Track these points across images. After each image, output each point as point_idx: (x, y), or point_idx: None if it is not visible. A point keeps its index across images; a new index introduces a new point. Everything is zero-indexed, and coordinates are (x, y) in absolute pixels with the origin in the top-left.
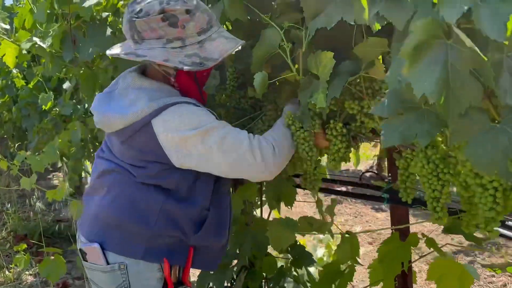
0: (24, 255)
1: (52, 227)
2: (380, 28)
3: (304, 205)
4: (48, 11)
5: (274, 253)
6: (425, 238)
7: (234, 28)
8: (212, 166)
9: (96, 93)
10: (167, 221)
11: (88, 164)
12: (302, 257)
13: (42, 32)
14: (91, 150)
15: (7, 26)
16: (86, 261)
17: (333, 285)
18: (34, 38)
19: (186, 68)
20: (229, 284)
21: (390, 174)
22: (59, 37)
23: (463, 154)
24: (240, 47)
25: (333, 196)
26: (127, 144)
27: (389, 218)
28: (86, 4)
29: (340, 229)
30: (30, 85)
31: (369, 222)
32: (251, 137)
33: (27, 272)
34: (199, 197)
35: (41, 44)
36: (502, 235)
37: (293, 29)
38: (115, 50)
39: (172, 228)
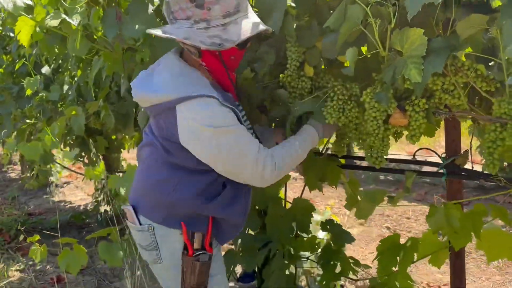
0: (40, 246)
1: (27, 220)
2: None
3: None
4: None
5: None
6: (492, 207)
7: (296, 5)
8: (212, 161)
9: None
10: (182, 193)
11: (60, 152)
12: (341, 235)
13: (68, 9)
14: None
15: (29, 1)
16: (127, 219)
17: (397, 258)
18: (62, 15)
19: (203, 47)
20: (259, 266)
21: (446, 150)
22: (98, 14)
23: None
24: (264, 29)
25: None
26: (156, 120)
27: None
28: None
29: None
30: (1, 70)
31: None
32: (260, 150)
33: (12, 268)
34: (215, 174)
35: (70, 21)
36: None
37: (377, 5)
38: (157, 31)
39: (186, 199)
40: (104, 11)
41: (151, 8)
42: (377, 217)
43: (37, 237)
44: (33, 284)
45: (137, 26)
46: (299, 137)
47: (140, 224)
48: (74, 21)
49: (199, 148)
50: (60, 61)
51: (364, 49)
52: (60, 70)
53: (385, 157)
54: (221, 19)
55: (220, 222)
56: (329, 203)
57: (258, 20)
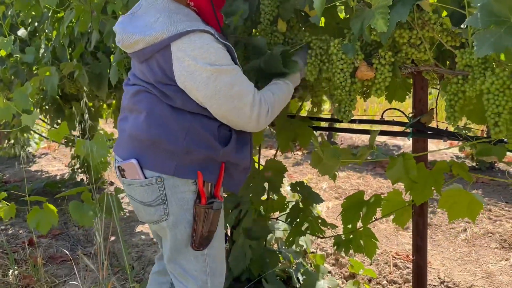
0: (8, 205)
1: (1, 187)
2: None
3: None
4: None
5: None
6: (453, 163)
7: None
8: (208, 103)
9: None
10: (195, 138)
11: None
12: (311, 196)
13: None
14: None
15: None
16: (125, 177)
17: (360, 213)
18: None
19: None
20: (230, 228)
21: (414, 110)
22: None
23: None
24: None
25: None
26: (146, 64)
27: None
28: None
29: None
30: None
31: (331, 180)
32: (255, 92)
33: None
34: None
35: None
36: None
37: None
38: None
39: (200, 144)
40: None
41: None
42: (352, 192)
43: (4, 194)
44: (4, 247)
45: None
46: (285, 78)
47: (146, 177)
48: None
49: (195, 89)
50: (36, 24)
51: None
52: (36, 33)
53: (356, 118)
54: None
55: (230, 169)
56: (307, 178)
57: None
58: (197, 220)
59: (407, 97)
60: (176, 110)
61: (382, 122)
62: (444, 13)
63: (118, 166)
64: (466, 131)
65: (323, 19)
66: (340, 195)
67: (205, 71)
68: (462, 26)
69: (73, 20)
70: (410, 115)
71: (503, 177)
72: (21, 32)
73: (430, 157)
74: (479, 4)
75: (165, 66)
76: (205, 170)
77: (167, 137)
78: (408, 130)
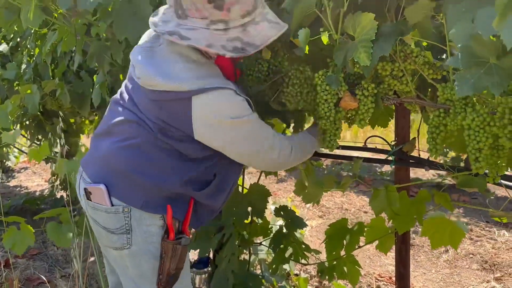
0: None
1: None
2: None
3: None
4: None
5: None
6: (435, 193)
7: None
8: (230, 151)
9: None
10: (172, 178)
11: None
12: (295, 221)
13: None
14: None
15: None
16: (90, 200)
17: (344, 241)
18: None
19: (228, 54)
20: (214, 252)
21: (396, 138)
22: None
23: None
24: (286, 28)
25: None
26: (159, 104)
27: (332, 194)
28: None
29: (370, 186)
30: None
31: None
32: (275, 135)
33: None
34: (209, 163)
35: None
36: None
37: None
38: (158, 25)
39: (178, 185)
40: None
41: None
42: (335, 210)
43: None
44: None
45: None
46: (311, 131)
47: (112, 205)
48: None
49: (214, 139)
50: (18, 39)
51: (325, 39)
52: (19, 49)
53: (339, 145)
54: (240, 19)
55: (198, 207)
56: (291, 196)
57: (274, 16)
58: (165, 257)
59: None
60: (165, 150)
61: (365, 149)
62: (425, 43)
63: (85, 188)
64: (447, 161)
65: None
66: (324, 214)
67: (226, 123)
68: (445, 63)
69: (56, 40)
70: (393, 143)
71: (484, 199)
72: (3, 47)
73: (412, 174)
74: (459, 45)
75: (180, 115)
76: (174, 206)
77: (143, 171)
78: (390, 158)
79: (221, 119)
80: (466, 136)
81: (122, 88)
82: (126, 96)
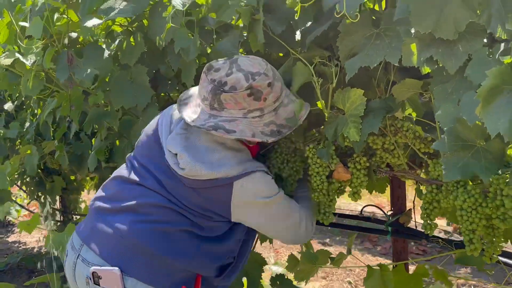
0: None
1: None
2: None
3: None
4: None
5: None
6: (433, 269)
7: None
8: (261, 227)
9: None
10: (200, 260)
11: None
12: None
13: (24, 48)
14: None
15: None
16: (98, 284)
17: None
18: (16, 54)
19: (270, 140)
20: None
21: (392, 208)
22: (51, 55)
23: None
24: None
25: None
26: (197, 191)
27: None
28: (89, 24)
29: (362, 262)
30: None
31: None
32: (300, 209)
33: None
34: (232, 244)
35: (24, 60)
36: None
37: (320, 65)
38: (192, 118)
39: (202, 267)
40: (58, 53)
41: (106, 53)
42: (339, 271)
43: None
44: None
45: (89, 70)
46: (306, 192)
47: None
48: (29, 61)
49: (248, 218)
50: (23, 98)
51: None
52: (24, 106)
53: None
54: (272, 104)
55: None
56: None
57: (291, 95)
58: None
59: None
60: (191, 233)
61: (361, 218)
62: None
63: (94, 272)
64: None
65: None
66: (327, 275)
67: (260, 204)
68: (432, 146)
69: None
70: (389, 212)
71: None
72: (8, 105)
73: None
74: (446, 129)
75: (218, 198)
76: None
77: (171, 256)
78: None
79: (256, 200)
80: (459, 217)
81: (135, 164)
82: (148, 175)
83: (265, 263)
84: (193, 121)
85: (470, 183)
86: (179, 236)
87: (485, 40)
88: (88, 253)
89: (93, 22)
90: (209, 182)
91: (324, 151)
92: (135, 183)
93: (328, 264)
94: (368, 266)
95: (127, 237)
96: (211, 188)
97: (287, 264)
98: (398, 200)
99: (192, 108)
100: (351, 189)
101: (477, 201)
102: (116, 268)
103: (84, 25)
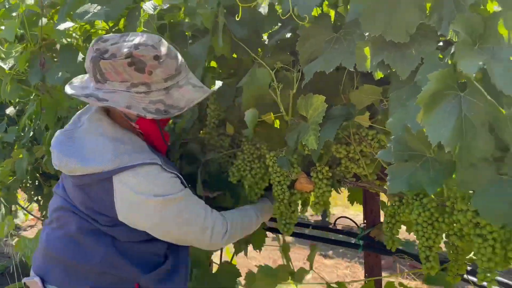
0: None
1: None
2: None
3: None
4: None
5: None
6: (402, 286)
7: (219, 65)
8: (155, 231)
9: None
10: (113, 261)
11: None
12: None
13: (4, 53)
14: (29, 182)
15: None
16: None
17: None
18: None
19: (149, 116)
20: None
21: (365, 221)
22: (25, 59)
23: (464, 204)
24: (208, 95)
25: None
26: (82, 188)
27: (336, 265)
28: (61, 27)
29: (323, 278)
30: None
31: (317, 269)
32: (207, 214)
33: None
34: (154, 244)
35: (1, 64)
36: None
37: (283, 70)
38: (75, 89)
39: (118, 268)
40: (34, 56)
41: (80, 56)
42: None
43: None
44: None
45: (60, 73)
46: (255, 206)
47: None
48: (7, 64)
49: (141, 220)
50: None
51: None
52: (24, 111)
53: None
54: (163, 82)
55: None
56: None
57: (197, 81)
58: None
59: None
60: (97, 234)
61: (334, 230)
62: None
63: (24, 283)
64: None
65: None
66: None
67: (151, 202)
68: (376, 156)
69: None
70: (363, 225)
71: None
72: (9, 110)
73: None
74: (393, 137)
75: (104, 198)
76: None
77: (80, 258)
78: (359, 242)
79: (143, 197)
80: (415, 232)
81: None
82: (61, 184)
83: (239, 274)
84: (71, 91)
85: (432, 196)
86: (86, 239)
87: (441, 44)
88: (33, 265)
89: (65, 25)
90: (86, 178)
91: (285, 159)
92: (55, 192)
93: (289, 280)
94: (327, 284)
95: (47, 248)
96: (91, 185)
97: (244, 283)
98: (371, 213)
99: (79, 84)
100: (313, 200)
101: (433, 216)
102: (37, 277)
103: (57, 28)
